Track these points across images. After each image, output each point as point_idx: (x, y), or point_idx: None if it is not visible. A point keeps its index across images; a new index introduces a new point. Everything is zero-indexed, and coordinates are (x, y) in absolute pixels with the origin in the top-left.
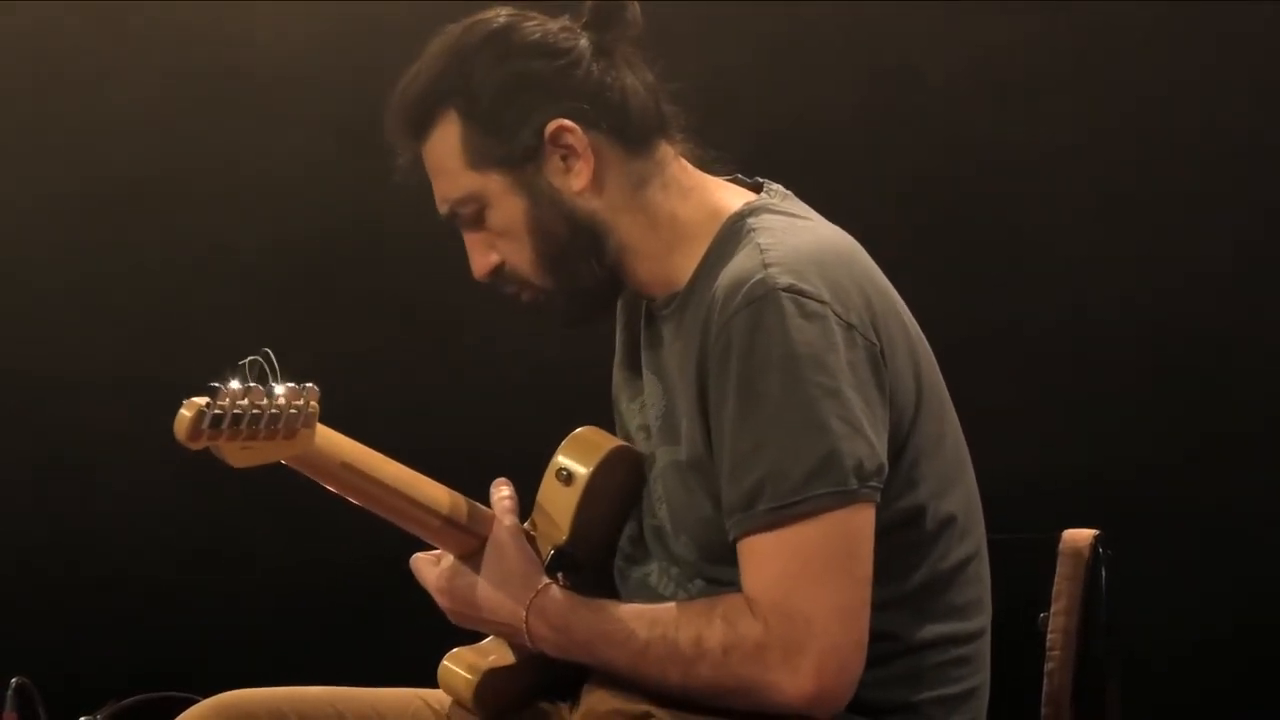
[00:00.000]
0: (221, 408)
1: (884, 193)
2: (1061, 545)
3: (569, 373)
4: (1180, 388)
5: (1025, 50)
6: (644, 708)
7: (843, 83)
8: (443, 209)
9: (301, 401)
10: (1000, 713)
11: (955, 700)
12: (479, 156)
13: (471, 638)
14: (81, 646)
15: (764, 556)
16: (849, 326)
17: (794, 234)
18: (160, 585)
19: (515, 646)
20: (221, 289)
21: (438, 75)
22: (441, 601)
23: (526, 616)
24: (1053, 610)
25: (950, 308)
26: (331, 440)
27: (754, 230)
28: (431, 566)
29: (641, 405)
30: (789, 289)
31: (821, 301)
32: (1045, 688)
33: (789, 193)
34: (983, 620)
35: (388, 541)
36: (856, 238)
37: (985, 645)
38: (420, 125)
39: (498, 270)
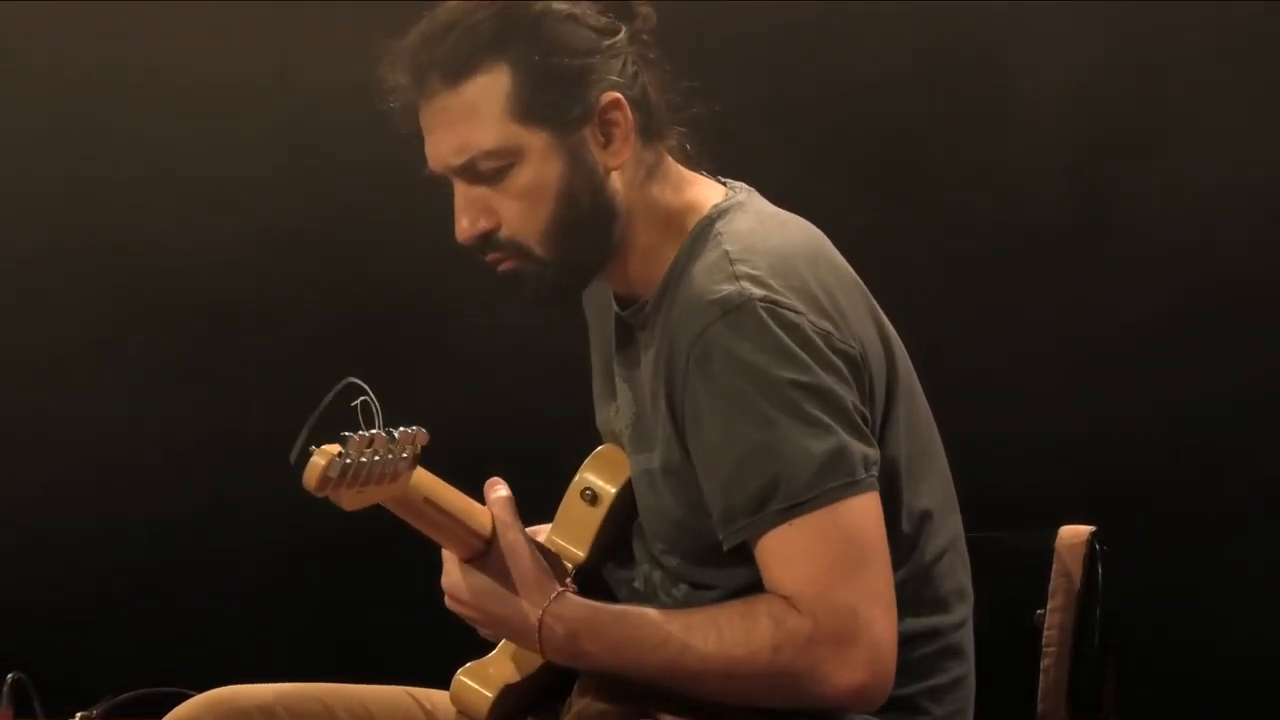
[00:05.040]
0: (350, 457)
1: (883, 187)
2: (1058, 542)
3: (565, 366)
4: (1178, 385)
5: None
6: (638, 708)
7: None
8: (456, 159)
9: (412, 445)
10: (996, 709)
11: (944, 690)
12: (529, 111)
13: (463, 636)
14: (77, 642)
15: (791, 553)
16: (825, 334)
17: (762, 237)
18: (155, 582)
19: (523, 660)
20: (218, 285)
21: (496, 22)
22: (452, 605)
23: (542, 620)
24: (1049, 607)
25: (949, 304)
26: (419, 477)
27: (721, 234)
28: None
29: (614, 411)
30: (764, 300)
31: (796, 312)
32: (1041, 684)
33: (752, 189)
34: (965, 610)
35: (382, 540)
36: (852, 234)
37: (968, 634)
38: (462, 68)
39: (487, 234)
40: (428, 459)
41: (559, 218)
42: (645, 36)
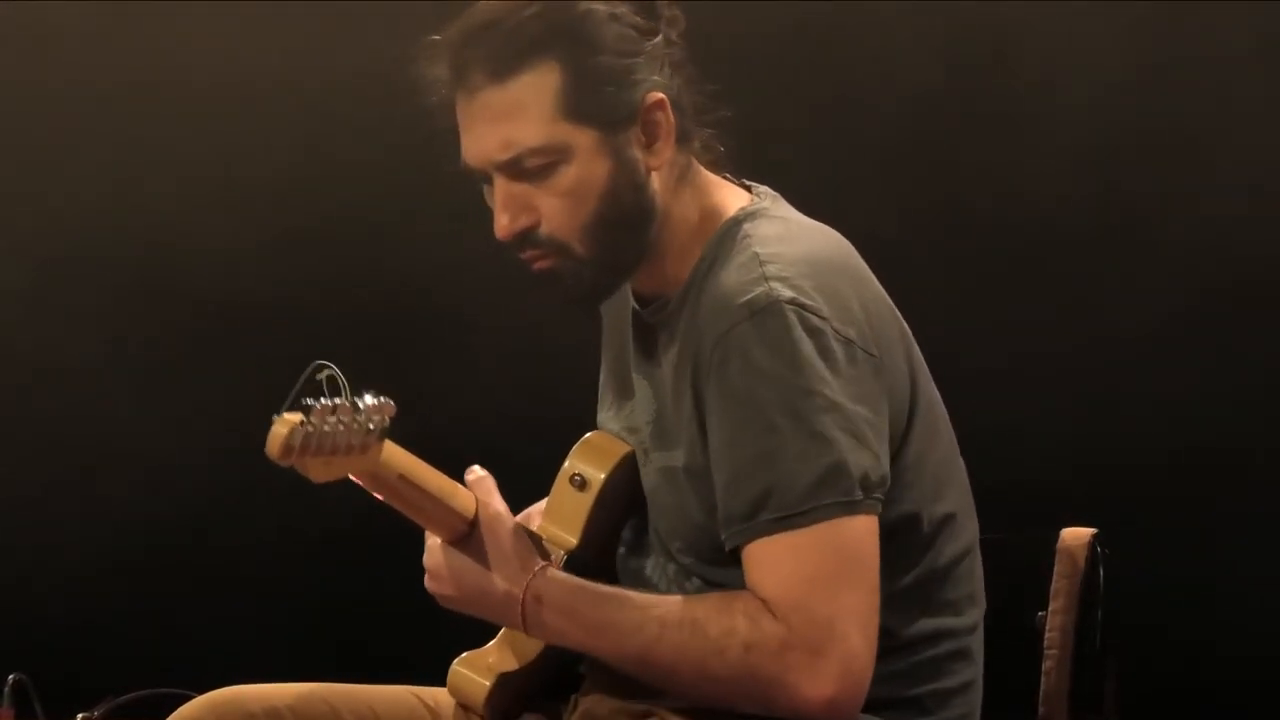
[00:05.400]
0: (314, 425)
1: (881, 191)
2: (1060, 544)
3: (566, 367)
4: (1180, 387)
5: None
6: (644, 707)
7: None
8: (501, 155)
9: (379, 416)
10: (997, 711)
11: (951, 694)
12: (578, 109)
13: (469, 636)
14: (78, 643)
15: (776, 561)
16: (848, 341)
17: (790, 242)
18: (157, 582)
19: (521, 649)
20: (219, 284)
21: (545, 20)
22: (431, 585)
23: (524, 597)
24: (1050, 609)
25: (951, 307)
26: (392, 453)
27: (750, 237)
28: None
29: (630, 409)
30: (791, 302)
31: (821, 317)
32: (1042, 686)
33: (778, 195)
34: (976, 615)
35: (384, 539)
36: (855, 234)
37: (979, 639)
38: (510, 64)
39: (526, 231)
40: (431, 453)
41: (602, 216)
42: (675, 39)
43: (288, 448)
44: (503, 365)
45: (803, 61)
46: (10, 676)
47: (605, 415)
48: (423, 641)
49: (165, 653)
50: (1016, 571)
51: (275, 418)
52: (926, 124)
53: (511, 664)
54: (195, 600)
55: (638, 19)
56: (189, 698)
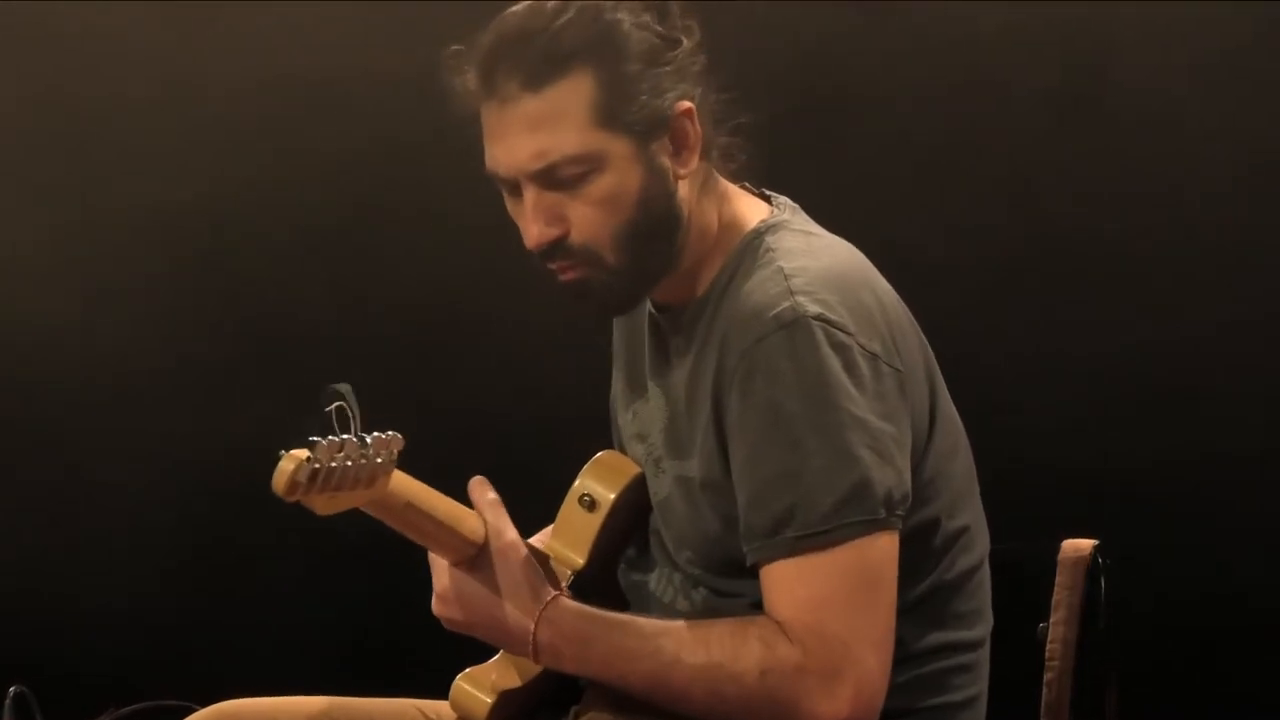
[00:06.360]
0: (320, 462)
1: (893, 192)
2: (1061, 555)
3: (584, 376)
4: (1181, 397)
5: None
6: None
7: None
8: (535, 164)
9: (387, 451)
10: None
11: (957, 708)
12: (613, 118)
13: (472, 650)
14: (80, 655)
15: (794, 581)
16: (873, 356)
17: (814, 256)
18: (159, 594)
19: (524, 666)
20: (225, 289)
21: (578, 29)
22: (439, 609)
23: (535, 627)
24: (1052, 620)
25: (951, 315)
26: (399, 482)
27: (773, 250)
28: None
29: (643, 415)
30: (818, 318)
31: (847, 333)
32: (1044, 698)
33: (797, 206)
34: (984, 630)
35: (386, 552)
36: (856, 239)
37: (985, 654)
38: (546, 74)
39: (559, 241)
40: (439, 465)
41: (635, 225)
42: (694, 49)
43: (294, 484)
44: (518, 372)
45: (825, 65)
46: (11, 689)
47: (624, 420)
48: (426, 654)
49: (167, 665)
50: (1017, 583)
51: (281, 454)
52: (944, 124)
53: (514, 681)
54: (198, 612)
55: (660, 29)
56: (191, 710)
